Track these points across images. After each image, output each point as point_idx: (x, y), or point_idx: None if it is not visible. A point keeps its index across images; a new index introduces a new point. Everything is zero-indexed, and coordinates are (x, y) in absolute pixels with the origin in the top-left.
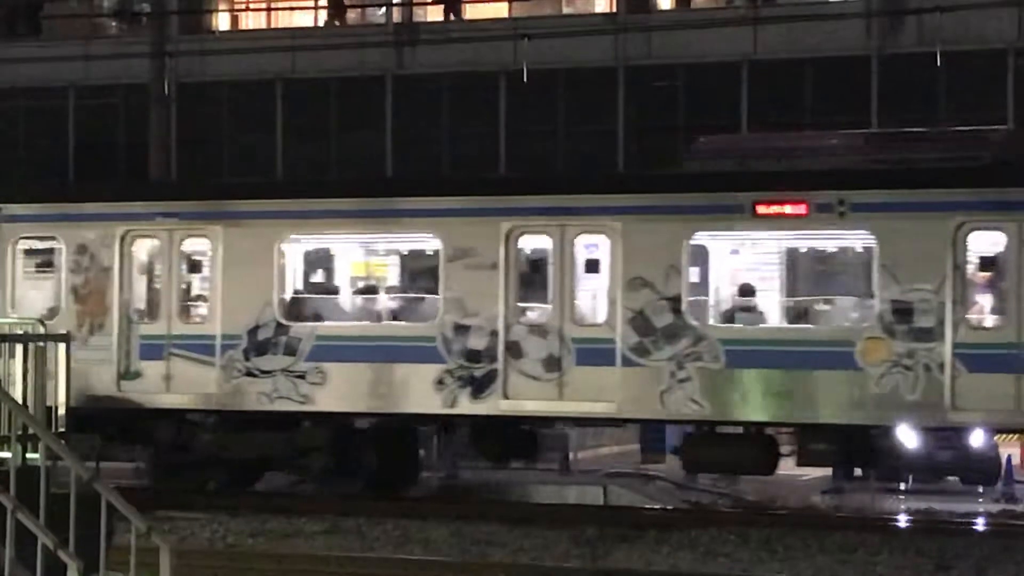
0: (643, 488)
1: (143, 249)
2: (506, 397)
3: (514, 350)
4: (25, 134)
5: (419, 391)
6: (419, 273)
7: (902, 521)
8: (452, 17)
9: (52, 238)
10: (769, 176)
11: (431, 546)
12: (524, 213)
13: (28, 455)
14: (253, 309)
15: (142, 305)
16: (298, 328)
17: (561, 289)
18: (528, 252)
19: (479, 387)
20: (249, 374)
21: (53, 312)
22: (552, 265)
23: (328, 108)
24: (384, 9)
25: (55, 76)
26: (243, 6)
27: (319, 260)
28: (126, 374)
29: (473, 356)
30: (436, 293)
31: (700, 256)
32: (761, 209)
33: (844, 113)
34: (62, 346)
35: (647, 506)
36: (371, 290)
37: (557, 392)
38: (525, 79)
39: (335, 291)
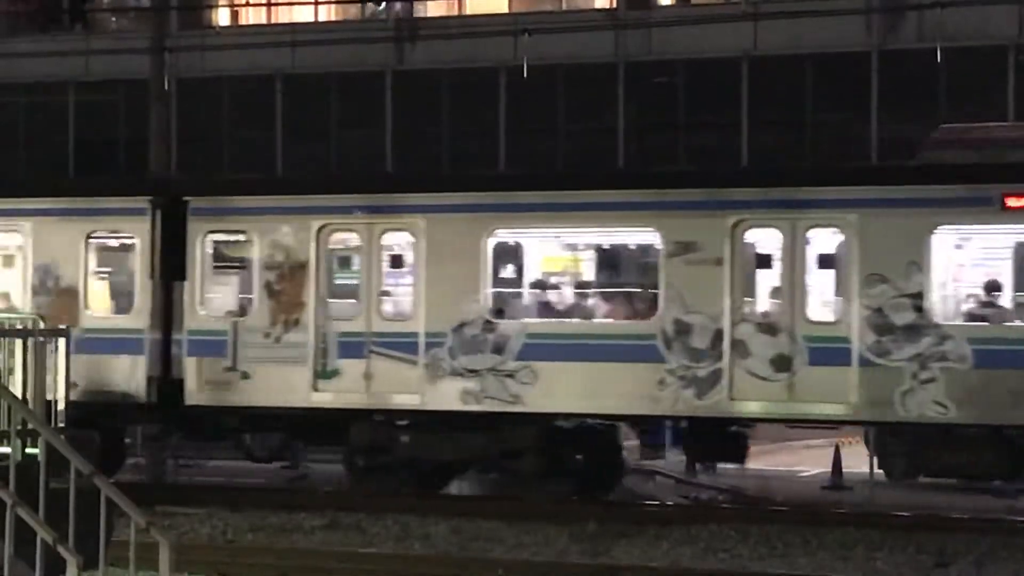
0: (643, 484)
1: (341, 243)
2: (732, 398)
3: (740, 349)
4: (25, 130)
5: (639, 391)
6: (637, 268)
7: (902, 518)
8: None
9: (243, 232)
10: (1022, 168)
11: (431, 542)
12: (751, 206)
13: (27, 450)
14: (458, 306)
15: (340, 301)
16: (507, 325)
17: (791, 285)
18: (755, 246)
19: (703, 387)
20: (455, 373)
21: (244, 309)
22: (781, 260)
23: (328, 104)
24: (384, 4)
25: (55, 72)
26: (243, 1)
27: (529, 255)
28: (323, 373)
29: (696, 355)
30: (656, 289)
31: (944, 250)
32: (1011, 202)
33: (844, 110)
34: (62, 341)
35: (647, 502)
36: (584, 285)
37: (787, 393)
38: (525, 75)
39: (546, 287)
